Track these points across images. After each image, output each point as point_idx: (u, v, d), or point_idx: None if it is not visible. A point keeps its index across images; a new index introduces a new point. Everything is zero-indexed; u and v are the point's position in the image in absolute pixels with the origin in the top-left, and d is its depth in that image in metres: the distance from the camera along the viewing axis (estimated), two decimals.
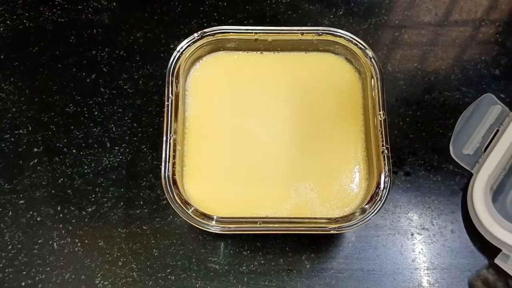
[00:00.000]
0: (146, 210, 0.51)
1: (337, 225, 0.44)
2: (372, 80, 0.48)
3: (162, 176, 0.45)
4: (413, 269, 0.50)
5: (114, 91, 0.55)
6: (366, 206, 0.44)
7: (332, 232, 0.44)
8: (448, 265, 0.50)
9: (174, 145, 0.46)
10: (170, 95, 0.47)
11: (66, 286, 0.48)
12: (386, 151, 0.45)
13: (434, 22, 0.60)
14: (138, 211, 0.51)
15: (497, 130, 0.52)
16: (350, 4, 0.60)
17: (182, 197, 0.44)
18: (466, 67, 0.58)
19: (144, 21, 0.58)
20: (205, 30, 0.49)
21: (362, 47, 0.49)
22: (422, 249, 0.51)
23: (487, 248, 0.50)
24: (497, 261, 0.49)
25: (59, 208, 0.51)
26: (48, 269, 0.49)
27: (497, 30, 0.59)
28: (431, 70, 0.57)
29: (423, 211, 0.52)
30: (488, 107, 0.53)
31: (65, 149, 0.53)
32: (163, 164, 0.45)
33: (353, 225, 0.44)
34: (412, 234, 0.51)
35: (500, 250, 0.49)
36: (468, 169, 0.51)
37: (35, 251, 0.49)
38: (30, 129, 0.53)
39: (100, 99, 0.55)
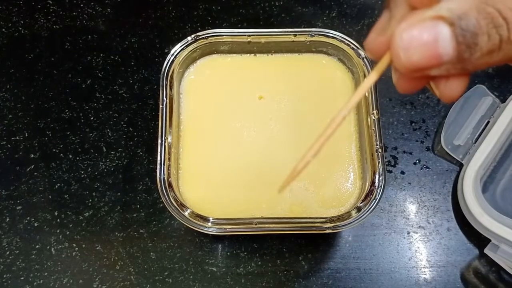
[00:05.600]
0: (143, 214, 0.51)
1: (333, 224, 0.44)
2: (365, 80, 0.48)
3: (158, 179, 0.45)
4: (410, 267, 0.50)
5: (110, 96, 0.55)
6: (361, 205, 0.45)
7: (327, 231, 0.44)
8: (444, 263, 0.50)
9: (169, 148, 0.46)
10: (165, 98, 0.47)
11: None
12: (380, 149, 0.46)
13: None
14: (135, 215, 0.51)
15: (488, 122, 0.53)
16: (343, 6, 0.60)
17: (178, 199, 0.44)
18: None
19: (139, 26, 0.59)
20: (198, 33, 0.49)
21: (355, 48, 0.49)
22: (418, 248, 0.51)
23: (484, 246, 0.50)
24: (486, 251, 0.49)
25: (56, 213, 0.51)
26: (46, 274, 0.49)
27: None
28: None
29: (419, 209, 0.52)
30: (480, 99, 0.53)
31: (61, 154, 0.53)
32: (158, 167, 0.45)
33: (348, 224, 0.44)
34: (408, 233, 0.51)
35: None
36: (459, 160, 0.52)
37: (33, 256, 0.50)
38: (26, 135, 0.54)
39: (95, 104, 0.55)
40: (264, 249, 0.50)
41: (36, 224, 0.51)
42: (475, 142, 0.52)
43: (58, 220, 0.51)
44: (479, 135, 0.52)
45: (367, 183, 0.46)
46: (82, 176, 0.52)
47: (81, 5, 0.59)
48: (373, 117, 0.47)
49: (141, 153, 0.53)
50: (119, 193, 0.52)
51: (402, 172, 0.53)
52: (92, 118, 0.55)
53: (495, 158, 0.52)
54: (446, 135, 0.52)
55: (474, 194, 0.49)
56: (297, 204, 0.47)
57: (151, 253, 0.50)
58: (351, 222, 0.44)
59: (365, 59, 0.49)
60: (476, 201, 0.48)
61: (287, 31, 0.50)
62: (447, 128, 0.52)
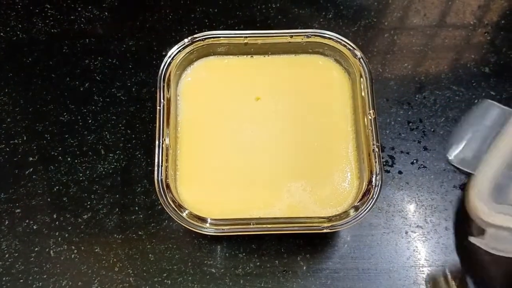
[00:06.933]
0: (141, 216, 0.51)
1: (330, 224, 0.44)
2: (361, 80, 0.49)
3: (155, 180, 0.45)
4: (408, 267, 0.50)
5: (108, 99, 0.56)
6: (358, 204, 0.45)
7: (325, 231, 0.44)
8: (442, 262, 0.50)
9: (167, 150, 0.46)
10: (162, 100, 0.47)
11: None
12: (376, 149, 0.46)
13: (424, 23, 0.60)
14: (133, 217, 0.51)
15: (496, 132, 0.52)
16: (340, 7, 0.61)
17: (176, 200, 0.45)
18: (456, 66, 0.58)
19: (136, 29, 0.59)
20: (195, 35, 0.50)
21: (351, 48, 0.50)
22: (416, 247, 0.51)
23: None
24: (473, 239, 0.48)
25: (55, 216, 0.51)
26: (45, 276, 0.49)
27: (486, 29, 0.60)
28: (421, 70, 0.58)
29: (416, 209, 0.52)
30: (487, 111, 0.53)
31: (60, 157, 0.53)
32: (156, 168, 0.45)
33: (346, 223, 0.44)
34: (406, 232, 0.51)
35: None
36: (470, 172, 0.51)
37: (32, 259, 0.50)
38: (25, 138, 0.54)
39: (94, 107, 0.55)
40: (263, 250, 0.50)
41: (35, 227, 0.51)
42: (485, 154, 0.51)
43: (57, 222, 0.51)
44: (488, 146, 0.52)
45: (364, 183, 0.46)
46: (81, 178, 0.53)
47: (79, 9, 0.60)
48: (370, 117, 0.47)
49: (139, 155, 0.53)
50: (117, 195, 0.52)
51: (400, 172, 0.54)
52: (90, 121, 0.55)
53: (507, 168, 0.51)
54: (454, 149, 0.52)
55: (487, 205, 0.48)
56: (294, 204, 0.47)
57: (150, 255, 0.50)
58: (349, 222, 0.44)
59: (361, 59, 0.49)
60: (489, 210, 0.48)
61: (284, 32, 0.50)
62: (454, 142, 0.52)
